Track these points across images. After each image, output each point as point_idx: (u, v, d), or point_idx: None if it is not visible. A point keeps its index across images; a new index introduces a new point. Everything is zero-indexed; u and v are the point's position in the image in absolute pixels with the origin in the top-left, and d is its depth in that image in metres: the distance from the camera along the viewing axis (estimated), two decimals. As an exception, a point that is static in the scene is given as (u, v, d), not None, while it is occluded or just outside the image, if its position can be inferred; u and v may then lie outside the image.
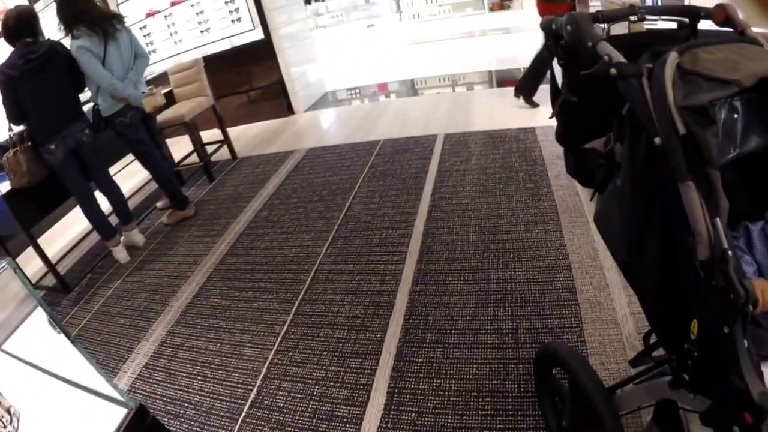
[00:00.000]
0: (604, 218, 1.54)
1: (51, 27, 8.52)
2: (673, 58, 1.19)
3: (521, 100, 6.87)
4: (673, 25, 1.63)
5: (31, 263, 5.62)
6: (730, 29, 1.42)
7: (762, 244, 1.35)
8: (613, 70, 1.26)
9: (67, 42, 5.01)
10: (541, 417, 2.52)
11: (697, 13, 1.55)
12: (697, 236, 1.13)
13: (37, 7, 8.51)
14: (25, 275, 2.33)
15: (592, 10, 1.60)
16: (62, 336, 2.14)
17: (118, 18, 5.43)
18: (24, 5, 4.86)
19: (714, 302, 1.15)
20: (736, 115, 1.19)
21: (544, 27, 1.60)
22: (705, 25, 1.56)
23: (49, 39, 5.20)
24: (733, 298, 1.09)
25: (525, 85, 6.83)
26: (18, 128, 4.87)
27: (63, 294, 5.14)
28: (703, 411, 1.33)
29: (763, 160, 1.29)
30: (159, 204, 6.56)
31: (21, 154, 4.69)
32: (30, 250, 5.13)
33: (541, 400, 2.46)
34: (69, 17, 4.99)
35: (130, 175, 7.17)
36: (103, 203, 5.45)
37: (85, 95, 5.47)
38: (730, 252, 1.09)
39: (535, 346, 2.96)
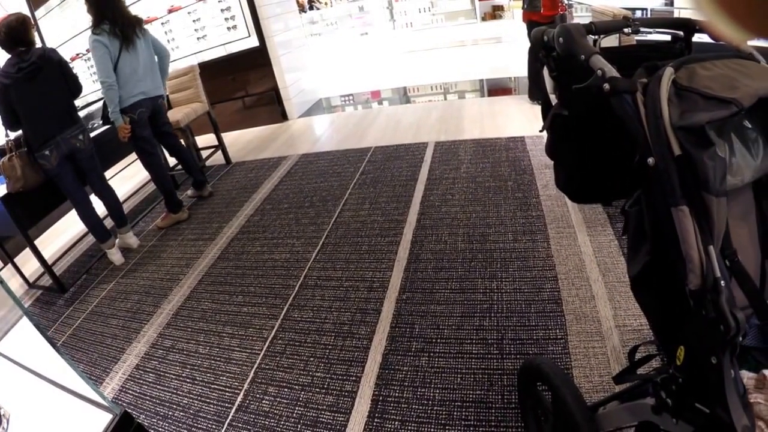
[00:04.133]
0: (628, 223, 1.48)
1: (52, 32, 8.52)
2: (668, 73, 1.11)
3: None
4: (667, 38, 1.56)
5: (28, 264, 5.58)
6: (726, 43, 1.35)
7: None
8: (606, 85, 1.18)
9: (64, 49, 5.02)
10: (523, 429, 2.46)
11: (692, 26, 1.48)
12: (688, 264, 1.06)
13: (39, 14, 8.48)
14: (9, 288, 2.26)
15: (582, 21, 1.52)
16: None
17: (140, 23, 5.52)
18: (17, 14, 4.80)
19: (703, 332, 1.08)
20: (749, 135, 1.13)
21: (536, 38, 1.53)
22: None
23: (42, 46, 5.17)
24: (723, 330, 1.02)
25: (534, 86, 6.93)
26: (14, 134, 4.80)
27: (59, 294, 5.10)
28: None
29: None
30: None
31: (16, 159, 4.65)
32: (27, 251, 5.08)
33: (524, 413, 2.40)
34: (100, 13, 5.11)
35: (125, 179, 7.10)
36: (99, 206, 5.39)
37: (87, 98, 5.45)
38: (722, 282, 1.02)
39: (520, 357, 2.91)
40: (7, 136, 4.76)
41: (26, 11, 8.10)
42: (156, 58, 5.69)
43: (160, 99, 5.81)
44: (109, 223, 5.57)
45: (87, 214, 5.21)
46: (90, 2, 5.11)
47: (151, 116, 5.68)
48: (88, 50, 5.16)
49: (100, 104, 5.45)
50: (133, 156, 6.11)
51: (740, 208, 1.22)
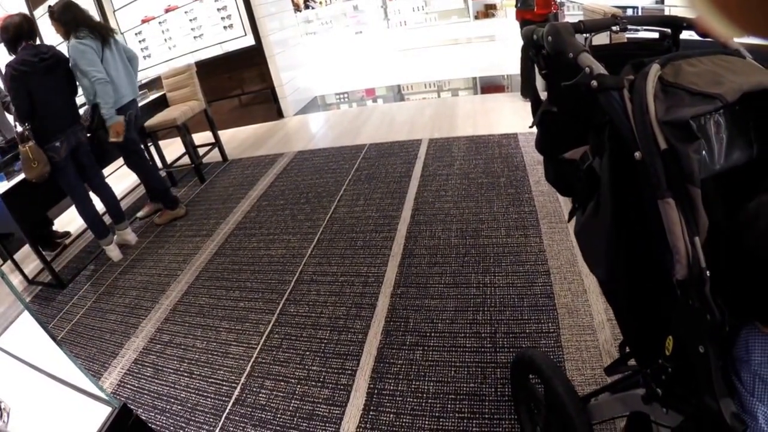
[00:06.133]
0: (584, 234, 1.48)
1: (50, 32, 8.50)
2: (654, 70, 1.12)
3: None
4: (655, 35, 1.57)
5: (28, 259, 5.62)
6: (713, 40, 1.36)
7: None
8: (594, 82, 1.19)
9: (63, 48, 5.05)
10: (516, 421, 2.47)
11: (679, 24, 1.49)
12: (675, 255, 1.07)
13: (37, 13, 8.48)
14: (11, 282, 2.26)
15: (573, 20, 1.53)
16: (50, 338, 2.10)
17: (112, 30, 5.55)
18: (21, 13, 4.91)
19: (690, 321, 1.09)
20: (719, 129, 1.13)
21: (526, 36, 1.54)
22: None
23: (50, 45, 5.25)
24: (709, 319, 1.03)
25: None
26: (20, 127, 4.79)
27: (58, 290, 5.10)
28: (674, 427, 1.29)
29: (744, 173, 1.24)
30: (140, 213, 6.45)
31: (34, 149, 4.65)
32: (27, 247, 5.09)
33: (517, 405, 2.41)
34: (71, 22, 5.07)
35: (122, 177, 7.09)
36: (97, 204, 5.40)
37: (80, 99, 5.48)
38: (708, 272, 1.03)
39: (513, 351, 2.92)
40: (15, 127, 4.78)
41: (25, 11, 8.12)
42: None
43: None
44: (107, 220, 5.57)
45: (86, 211, 5.21)
46: (63, 13, 5.08)
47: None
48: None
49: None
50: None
51: None
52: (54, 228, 6.20)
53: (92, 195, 5.40)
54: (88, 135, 5.41)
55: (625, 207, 1.24)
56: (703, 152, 1.11)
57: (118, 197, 5.76)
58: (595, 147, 1.33)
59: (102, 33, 5.23)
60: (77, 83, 5.11)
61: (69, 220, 6.33)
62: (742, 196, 1.24)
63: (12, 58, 4.65)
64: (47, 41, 8.34)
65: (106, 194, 5.50)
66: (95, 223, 5.29)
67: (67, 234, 6.13)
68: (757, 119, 1.15)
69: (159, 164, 7.01)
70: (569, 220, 1.53)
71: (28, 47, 4.68)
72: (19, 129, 4.66)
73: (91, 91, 5.17)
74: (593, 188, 1.32)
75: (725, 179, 1.24)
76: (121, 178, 7.03)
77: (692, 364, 1.13)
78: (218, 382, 3.29)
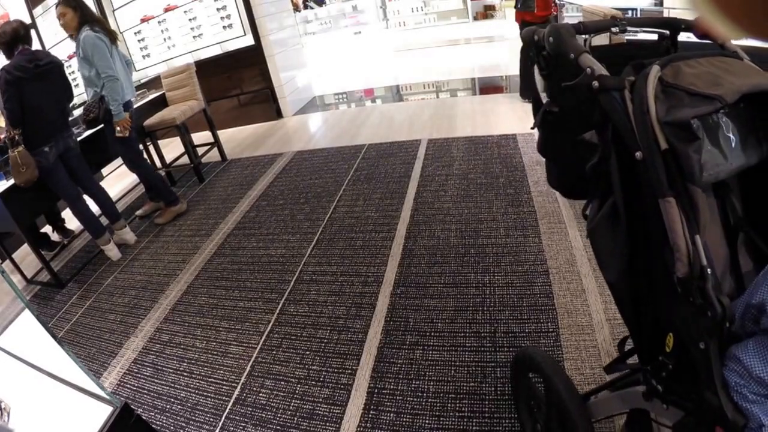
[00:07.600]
0: (597, 233, 1.49)
1: (49, 32, 8.52)
2: (655, 71, 1.14)
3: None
4: (654, 37, 1.58)
5: (27, 259, 5.62)
6: (711, 42, 1.37)
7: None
8: (595, 83, 1.21)
9: (60, 48, 5.10)
10: (516, 420, 2.48)
11: (678, 26, 1.50)
12: (676, 252, 1.09)
13: (36, 12, 8.49)
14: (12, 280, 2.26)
15: (572, 21, 1.54)
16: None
17: (117, 34, 5.67)
18: (18, 20, 4.95)
19: (691, 318, 1.10)
20: (729, 129, 1.15)
21: (526, 38, 1.55)
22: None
23: (47, 51, 5.31)
24: (710, 316, 1.05)
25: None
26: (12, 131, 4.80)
27: (57, 289, 5.09)
28: (675, 423, 1.30)
29: (754, 174, 1.25)
30: (139, 212, 6.45)
31: (23, 154, 4.64)
32: (26, 246, 5.10)
33: (518, 404, 2.41)
34: (87, 16, 5.26)
35: (122, 176, 7.10)
36: (93, 205, 5.41)
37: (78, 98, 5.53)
38: (708, 269, 1.05)
39: (513, 350, 2.93)
40: (7, 132, 4.79)
41: (24, 10, 8.15)
42: None
43: None
44: (105, 221, 5.58)
45: (80, 211, 5.23)
46: (77, 6, 5.22)
47: None
48: (71, 55, 5.24)
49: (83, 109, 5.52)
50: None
51: (708, 206, 1.24)
52: (65, 224, 6.23)
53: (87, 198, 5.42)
54: (101, 126, 5.52)
55: (630, 206, 1.25)
56: (717, 152, 1.13)
57: (118, 196, 5.79)
58: (601, 147, 1.33)
59: (111, 35, 5.37)
60: (77, 76, 5.18)
61: (67, 220, 6.31)
62: (759, 194, 1.26)
63: (8, 63, 4.67)
64: (45, 40, 8.40)
65: (100, 196, 5.51)
66: (90, 222, 5.29)
67: (71, 232, 6.15)
68: (759, 120, 1.17)
69: (158, 164, 7.02)
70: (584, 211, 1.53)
71: (25, 52, 4.69)
72: (11, 133, 4.69)
73: (95, 83, 5.28)
74: (602, 187, 1.33)
75: (742, 179, 1.26)
76: (120, 177, 7.05)
77: (693, 360, 1.14)
78: (218, 381, 3.29)
